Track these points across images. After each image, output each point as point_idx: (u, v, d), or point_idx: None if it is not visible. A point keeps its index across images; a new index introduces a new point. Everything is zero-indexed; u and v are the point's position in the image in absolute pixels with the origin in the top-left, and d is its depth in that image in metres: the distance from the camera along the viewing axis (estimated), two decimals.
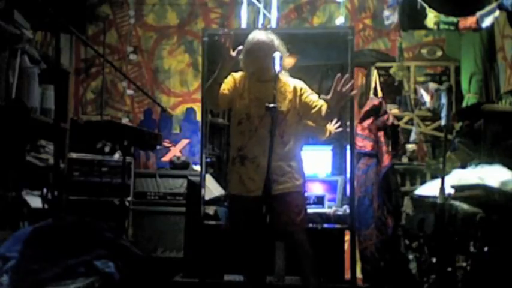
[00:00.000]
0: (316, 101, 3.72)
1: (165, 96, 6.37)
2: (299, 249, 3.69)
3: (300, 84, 3.80)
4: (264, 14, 5.47)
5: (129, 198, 5.44)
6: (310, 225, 4.35)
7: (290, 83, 3.78)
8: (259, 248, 3.62)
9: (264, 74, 3.70)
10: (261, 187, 3.32)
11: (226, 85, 3.78)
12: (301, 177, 3.76)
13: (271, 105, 3.34)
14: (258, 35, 3.72)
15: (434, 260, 3.62)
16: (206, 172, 4.64)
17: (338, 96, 3.49)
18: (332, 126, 4.43)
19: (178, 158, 5.73)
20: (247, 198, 3.67)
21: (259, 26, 5.46)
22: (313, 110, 3.70)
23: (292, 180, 3.69)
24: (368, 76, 5.71)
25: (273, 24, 5.40)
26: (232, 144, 3.81)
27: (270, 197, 3.37)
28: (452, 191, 3.65)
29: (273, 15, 5.40)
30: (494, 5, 4.50)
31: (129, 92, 6.27)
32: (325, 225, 4.49)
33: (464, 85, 5.24)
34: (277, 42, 3.68)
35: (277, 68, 3.48)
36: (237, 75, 3.83)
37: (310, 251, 3.67)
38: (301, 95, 3.75)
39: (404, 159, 5.25)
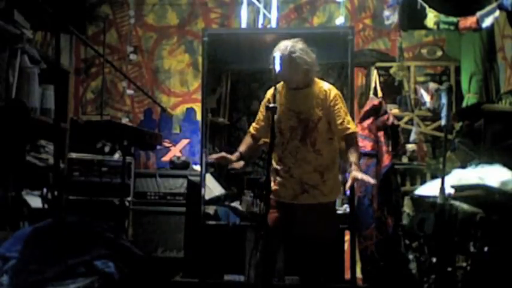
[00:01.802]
0: (341, 121, 3.64)
1: (165, 96, 6.37)
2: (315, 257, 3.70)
3: (333, 92, 3.72)
4: (264, 14, 5.47)
5: (129, 198, 5.44)
6: None
7: (324, 89, 3.72)
8: (275, 250, 3.65)
9: (291, 84, 3.70)
10: (290, 196, 3.56)
11: (261, 116, 3.83)
12: (333, 188, 3.73)
13: (271, 105, 3.35)
14: (277, 48, 3.65)
15: (434, 260, 3.62)
16: (206, 172, 4.64)
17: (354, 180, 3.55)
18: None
19: (178, 158, 5.73)
20: (277, 202, 3.70)
21: (259, 26, 5.46)
22: (335, 129, 3.66)
23: (324, 192, 3.66)
24: (368, 76, 5.71)
25: (273, 24, 5.40)
26: (273, 156, 3.71)
27: (300, 205, 3.62)
28: (452, 191, 3.65)
29: (273, 15, 5.40)
30: (494, 5, 4.50)
31: (129, 92, 6.27)
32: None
33: (464, 85, 5.24)
34: (297, 53, 3.61)
35: (277, 68, 3.48)
36: (270, 92, 3.77)
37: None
38: (329, 106, 3.67)
39: (404, 159, 5.25)
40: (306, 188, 3.62)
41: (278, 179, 3.71)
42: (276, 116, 3.63)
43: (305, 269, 3.76)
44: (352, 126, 3.67)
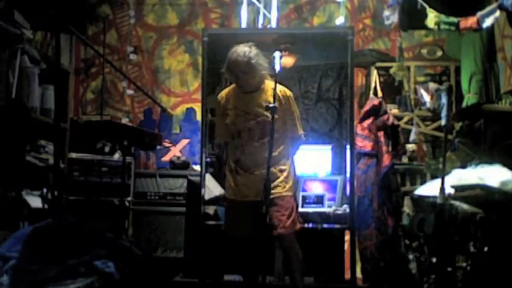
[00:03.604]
0: (293, 123, 3.84)
1: (165, 96, 6.37)
2: (288, 251, 3.83)
3: (286, 93, 3.84)
4: (264, 14, 5.47)
5: (129, 198, 5.43)
6: (310, 225, 4.36)
7: (277, 91, 3.77)
8: (254, 248, 3.66)
9: (246, 88, 3.80)
10: (254, 193, 3.58)
11: (219, 120, 3.93)
12: (291, 179, 3.85)
13: (271, 105, 3.37)
14: (235, 53, 3.76)
15: (434, 260, 3.62)
16: (206, 172, 4.64)
17: None
18: None
19: (178, 158, 5.73)
20: (241, 202, 3.82)
21: (259, 26, 5.46)
22: (288, 129, 3.84)
23: (282, 184, 3.79)
24: (368, 76, 5.70)
25: (273, 24, 5.40)
26: (229, 156, 3.94)
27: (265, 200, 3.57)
28: (452, 191, 3.65)
29: (273, 15, 5.40)
30: (494, 5, 4.50)
31: (129, 92, 6.27)
32: (325, 225, 4.49)
33: (464, 85, 5.23)
34: (255, 59, 3.71)
35: (277, 67, 3.50)
36: (221, 95, 3.93)
37: (299, 251, 3.80)
38: (285, 108, 3.80)
39: (405, 159, 5.24)
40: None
41: (239, 179, 3.81)
42: (231, 119, 3.78)
43: (287, 266, 3.90)
44: (300, 130, 3.89)
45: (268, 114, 3.65)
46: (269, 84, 3.79)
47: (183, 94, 6.39)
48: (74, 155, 5.28)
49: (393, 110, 5.38)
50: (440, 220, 3.50)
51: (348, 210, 4.50)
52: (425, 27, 4.91)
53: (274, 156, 3.70)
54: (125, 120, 6.06)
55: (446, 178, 3.57)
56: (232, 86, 3.90)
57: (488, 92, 5.14)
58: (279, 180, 3.78)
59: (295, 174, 3.91)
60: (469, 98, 5.13)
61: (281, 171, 3.79)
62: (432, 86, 5.44)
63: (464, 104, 5.14)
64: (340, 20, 5.44)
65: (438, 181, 3.58)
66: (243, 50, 3.74)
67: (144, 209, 5.50)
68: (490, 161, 3.80)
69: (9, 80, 4.36)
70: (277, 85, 3.82)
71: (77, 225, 3.61)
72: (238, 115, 3.80)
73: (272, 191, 3.68)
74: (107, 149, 5.38)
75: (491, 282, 3.43)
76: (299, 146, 3.95)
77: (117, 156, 5.34)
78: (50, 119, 4.85)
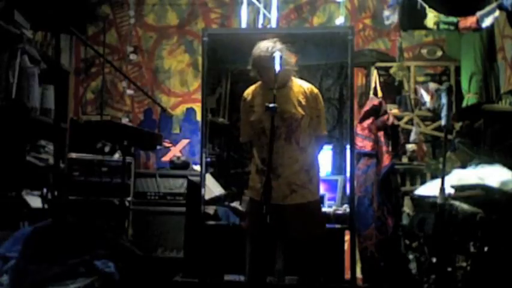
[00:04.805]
0: (319, 121, 3.74)
1: (165, 96, 6.37)
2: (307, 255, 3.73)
3: (314, 91, 3.78)
4: (264, 14, 5.47)
5: (129, 198, 5.44)
6: None
7: (304, 88, 3.76)
8: (269, 251, 3.63)
9: (271, 84, 3.72)
10: (280, 197, 3.49)
11: (244, 118, 3.84)
12: (317, 182, 3.78)
13: (271, 105, 3.36)
14: (258, 48, 3.70)
15: (434, 260, 3.62)
16: (206, 172, 4.64)
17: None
18: None
19: (178, 158, 5.73)
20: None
21: (259, 26, 5.46)
22: (313, 127, 3.75)
23: (311, 190, 3.71)
24: (368, 76, 5.71)
25: (273, 24, 5.39)
26: (255, 155, 3.82)
27: (289, 206, 3.58)
28: (452, 191, 3.65)
29: (273, 15, 5.39)
30: (494, 5, 4.50)
31: (129, 92, 6.27)
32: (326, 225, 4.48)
33: (464, 85, 5.24)
34: (278, 53, 3.62)
35: (277, 68, 3.49)
36: (247, 92, 3.86)
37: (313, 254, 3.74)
38: (311, 106, 3.73)
39: (404, 159, 5.25)
40: (294, 188, 3.62)
41: (265, 179, 3.66)
42: (257, 117, 3.70)
43: (303, 268, 3.78)
44: (325, 129, 3.83)
45: (295, 111, 3.63)
46: (296, 81, 3.75)
47: (183, 94, 6.39)
48: (74, 155, 5.28)
49: (393, 110, 5.39)
50: (440, 220, 3.50)
51: (348, 210, 4.50)
52: (425, 27, 4.91)
53: (302, 158, 3.66)
54: (124, 120, 6.06)
55: (446, 178, 3.57)
56: (259, 83, 3.82)
57: (488, 92, 5.14)
58: (308, 186, 3.68)
59: (319, 175, 3.84)
60: (469, 98, 5.13)
61: (309, 174, 3.69)
62: (432, 86, 5.45)
63: (464, 104, 5.14)
64: (340, 20, 5.43)
65: (438, 181, 3.58)
66: (267, 45, 3.67)
67: (144, 209, 5.50)
68: (490, 161, 3.81)
69: (9, 80, 4.35)
70: (305, 82, 3.78)
71: (77, 225, 3.61)
72: (264, 113, 3.67)
73: (300, 197, 3.63)
74: (107, 149, 5.39)
75: (491, 282, 3.43)
76: (322, 146, 3.87)
77: (117, 156, 5.35)
78: (50, 119, 4.85)
